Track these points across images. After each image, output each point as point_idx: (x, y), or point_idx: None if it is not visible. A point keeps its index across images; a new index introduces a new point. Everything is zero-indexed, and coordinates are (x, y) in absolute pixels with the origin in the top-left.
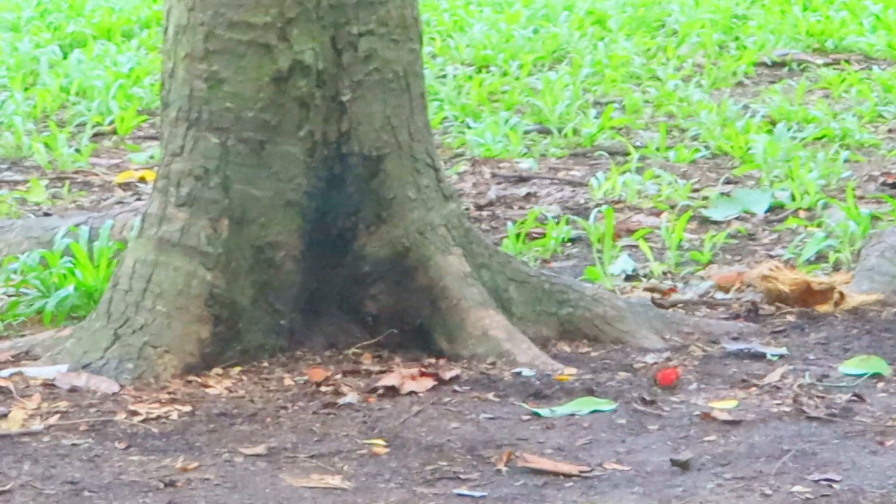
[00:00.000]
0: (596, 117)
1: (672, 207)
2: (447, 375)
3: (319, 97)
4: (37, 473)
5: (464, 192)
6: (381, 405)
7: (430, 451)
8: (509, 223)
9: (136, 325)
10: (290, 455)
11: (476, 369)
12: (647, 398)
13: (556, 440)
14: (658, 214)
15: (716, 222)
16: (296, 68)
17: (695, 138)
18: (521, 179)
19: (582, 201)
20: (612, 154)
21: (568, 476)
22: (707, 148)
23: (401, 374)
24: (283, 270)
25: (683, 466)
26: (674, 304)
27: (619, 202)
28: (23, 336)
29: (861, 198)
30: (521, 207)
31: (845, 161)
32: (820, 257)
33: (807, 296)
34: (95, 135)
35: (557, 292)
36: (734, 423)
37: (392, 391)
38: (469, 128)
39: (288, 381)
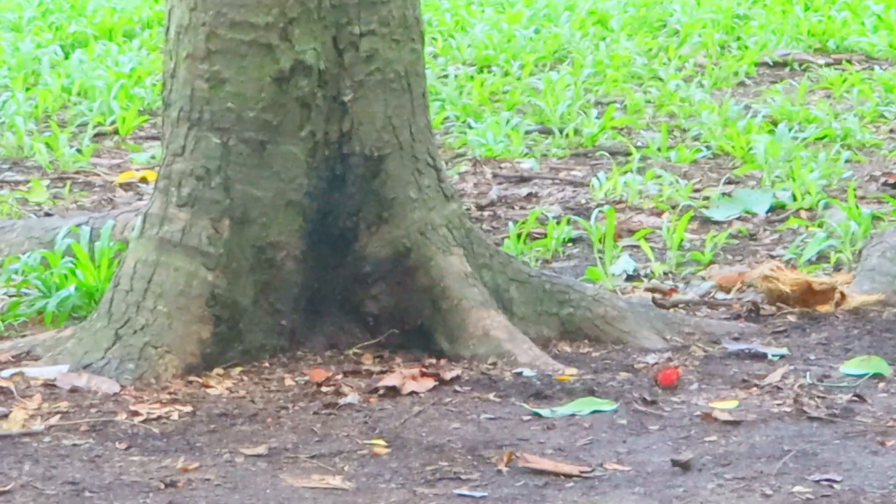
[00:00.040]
0: (597, 117)
1: (673, 207)
2: (448, 376)
3: (321, 97)
4: (37, 474)
5: (465, 192)
6: (382, 405)
7: (431, 451)
8: (510, 223)
9: (137, 326)
10: (291, 455)
11: (477, 370)
12: (648, 398)
13: (556, 440)
14: (659, 214)
15: (717, 222)
16: (297, 68)
17: (696, 138)
18: (523, 179)
19: (583, 201)
20: (613, 154)
21: (569, 476)
22: (708, 148)
23: (402, 375)
24: (285, 271)
25: (684, 467)
26: (675, 305)
27: (620, 202)
28: (24, 336)
29: (862, 198)
30: (522, 207)
31: (846, 161)
32: (821, 257)
33: (808, 296)
34: (97, 135)
35: (558, 292)
36: (735, 424)
37: (393, 391)
38: (470, 128)
39: (289, 382)
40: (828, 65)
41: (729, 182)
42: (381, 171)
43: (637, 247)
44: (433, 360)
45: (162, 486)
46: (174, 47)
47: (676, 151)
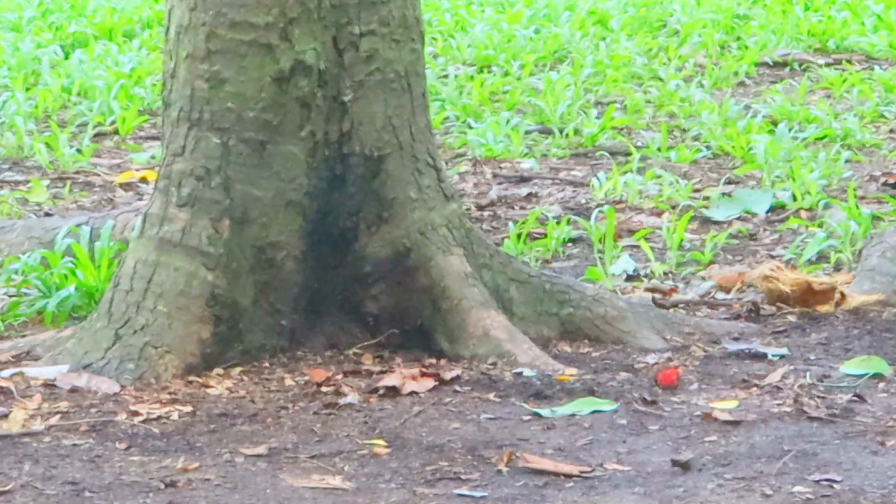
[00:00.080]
0: (597, 117)
1: (673, 207)
2: (448, 376)
3: (321, 97)
4: (37, 474)
5: (465, 192)
6: (382, 405)
7: (431, 451)
8: (510, 223)
9: (137, 326)
10: (291, 455)
11: (477, 370)
12: (648, 398)
13: (556, 440)
14: (659, 214)
15: (717, 222)
16: (297, 68)
17: (696, 138)
18: (523, 179)
19: (583, 201)
20: (613, 154)
21: (569, 476)
22: (708, 148)
23: (402, 375)
24: (284, 271)
25: (684, 467)
26: (675, 305)
27: (620, 202)
28: (24, 336)
29: (862, 198)
30: (522, 207)
31: (846, 161)
32: (821, 257)
33: (808, 296)
34: (97, 135)
35: (558, 292)
36: (735, 424)
37: (393, 391)
38: (470, 128)
39: (289, 382)
40: (828, 65)
41: (729, 182)
42: (381, 171)
43: (637, 247)
44: (433, 360)
45: (162, 486)
46: (174, 47)
47: (676, 151)
